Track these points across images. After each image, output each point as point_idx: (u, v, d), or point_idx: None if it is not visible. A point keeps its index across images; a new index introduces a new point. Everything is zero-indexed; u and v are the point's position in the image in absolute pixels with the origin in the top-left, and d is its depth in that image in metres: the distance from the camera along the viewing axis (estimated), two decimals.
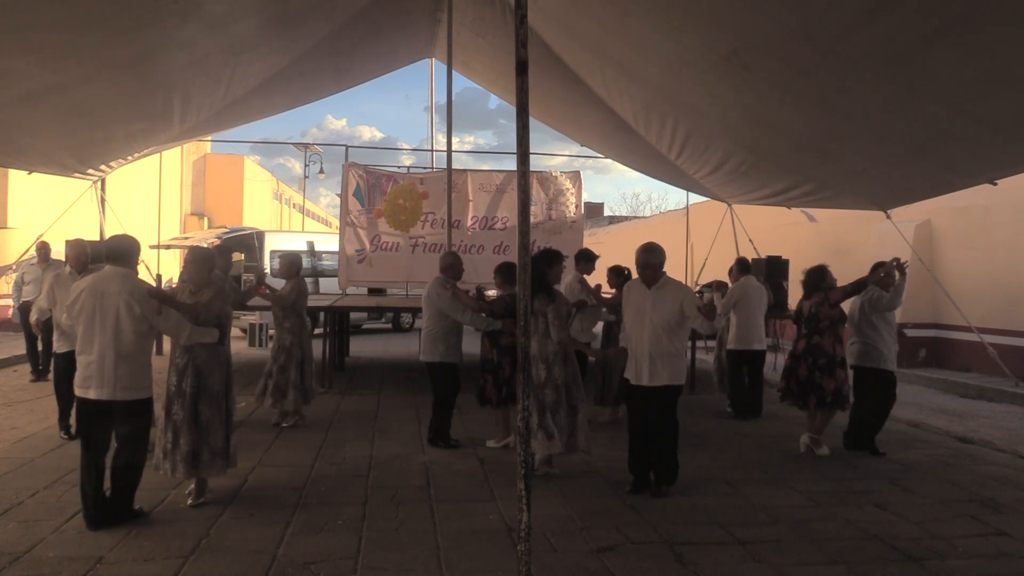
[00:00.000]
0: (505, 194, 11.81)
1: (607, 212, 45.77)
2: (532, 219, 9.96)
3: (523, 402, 3.46)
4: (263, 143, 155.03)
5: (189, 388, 4.71)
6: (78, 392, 4.43)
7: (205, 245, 9.72)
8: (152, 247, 16.75)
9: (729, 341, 8.13)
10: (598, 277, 7.67)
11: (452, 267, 6.50)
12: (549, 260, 5.62)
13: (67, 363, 6.39)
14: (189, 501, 4.81)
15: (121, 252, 4.52)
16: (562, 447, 5.42)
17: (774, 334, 10.99)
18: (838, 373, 6.31)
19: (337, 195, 19.39)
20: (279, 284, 7.58)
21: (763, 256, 10.95)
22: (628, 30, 6.61)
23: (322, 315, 10.89)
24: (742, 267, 8.24)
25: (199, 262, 4.91)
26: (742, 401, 8.05)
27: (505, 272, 6.26)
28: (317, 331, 11.45)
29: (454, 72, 9.44)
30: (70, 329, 4.54)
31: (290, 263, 7.38)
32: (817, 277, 6.50)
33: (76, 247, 6.52)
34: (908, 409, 9.05)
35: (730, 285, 8.35)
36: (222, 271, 7.35)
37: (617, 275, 7.39)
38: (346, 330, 12.64)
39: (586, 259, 7.66)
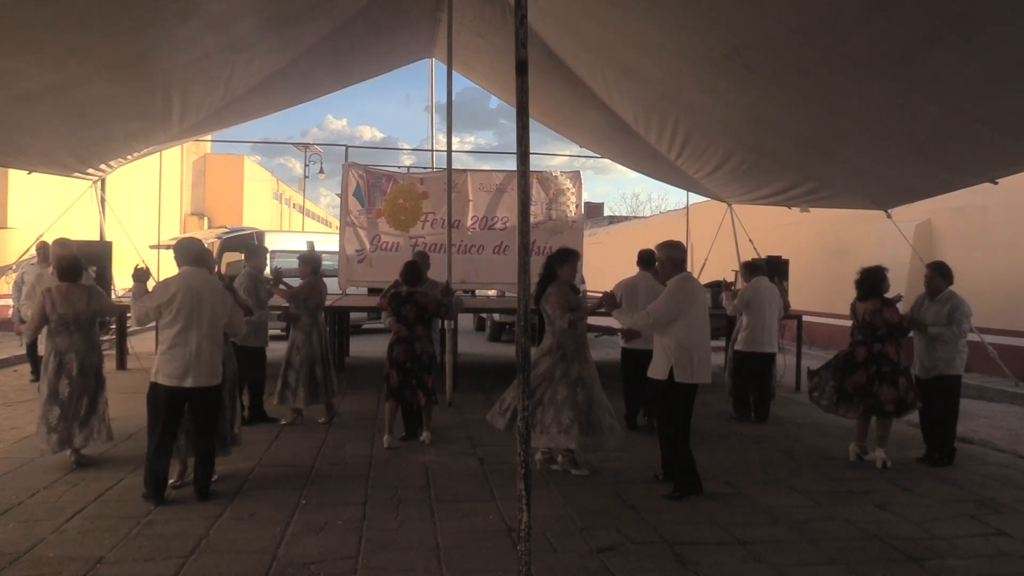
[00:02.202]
0: (505, 194, 11.80)
1: (607, 212, 45.86)
2: (532, 219, 9.98)
3: (523, 402, 3.46)
4: (263, 143, 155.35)
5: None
6: (171, 383, 4.80)
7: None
8: (152, 247, 16.74)
9: (738, 342, 8.04)
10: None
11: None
12: (560, 258, 5.71)
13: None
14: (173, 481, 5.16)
15: (200, 255, 5.08)
16: (577, 442, 5.48)
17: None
18: (900, 381, 6.03)
19: (337, 195, 19.40)
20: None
21: (763, 256, 10.94)
22: (628, 29, 6.61)
23: (322, 315, 10.89)
24: (751, 269, 8.18)
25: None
26: (746, 403, 8.02)
27: (402, 270, 6.64)
28: None
29: (454, 72, 9.43)
30: (142, 318, 4.90)
31: (305, 262, 7.56)
32: (876, 280, 6.16)
33: (65, 247, 6.50)
34: None
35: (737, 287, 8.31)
36: (257, 270, 7.42)
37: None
38: (346, 330, 12.64)
39: (649, 262, 7.51)
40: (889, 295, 6.28)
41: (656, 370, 5.36)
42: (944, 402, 6.25)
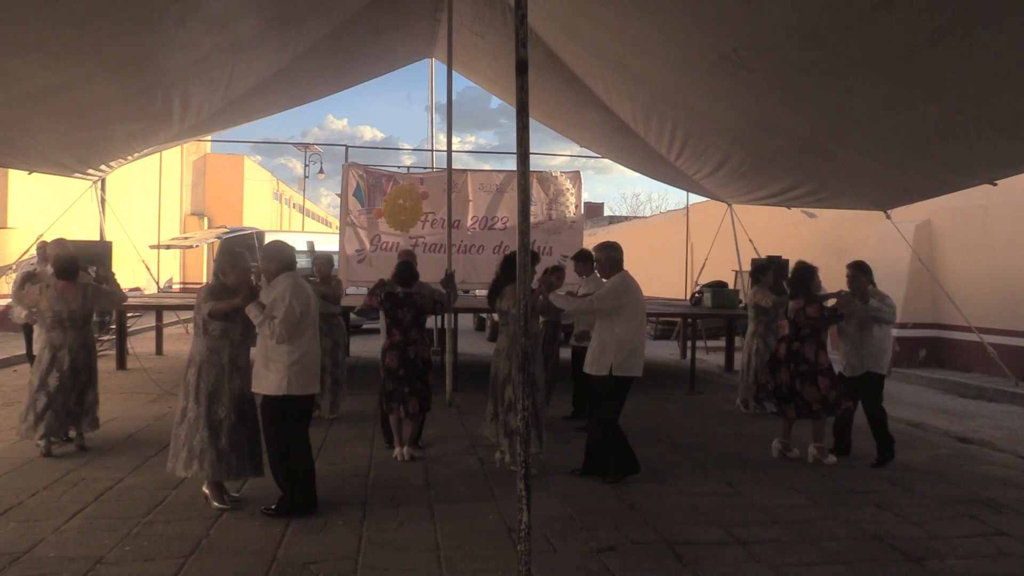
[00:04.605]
0: (505, 194, 11.81)
1: (607, 212, 45.78)
2: (532, 219, 9.99)
3: (523, 402, 3.46)
4: (264, 143, 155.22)
5: (238, 389, 4.76)
6: (304, 392, 4.67)
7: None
8: (152, 247, 16.76)
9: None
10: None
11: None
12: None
13: None
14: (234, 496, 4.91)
15: (294, 259, 4.83)
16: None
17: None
18: (820, 381, 6.08)
19: (337, 195, 19.41)
20: None
21: (763, 256, 10.95)
22: (628, 30, 6.61)
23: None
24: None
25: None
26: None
27: (394, 271, 6.25)
28: None
29: (455, 72, 9.44)
30: (292, 330, 4.54)
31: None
32: (806, 276, 6.26)
33: (63, 247, 6.58)
34: (908, 409, 9.05)
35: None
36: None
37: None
38: (346, 330, 12.62)
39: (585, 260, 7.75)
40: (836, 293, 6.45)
41: (596, 366, 5.48)
42: (870, 399, 6.31)
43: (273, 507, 4.63)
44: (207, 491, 4.81)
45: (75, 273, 6.05)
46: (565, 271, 7.09)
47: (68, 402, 5.92)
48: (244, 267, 4.80)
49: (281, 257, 4.74)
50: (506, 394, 5.63)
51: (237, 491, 5.01)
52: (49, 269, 6.51)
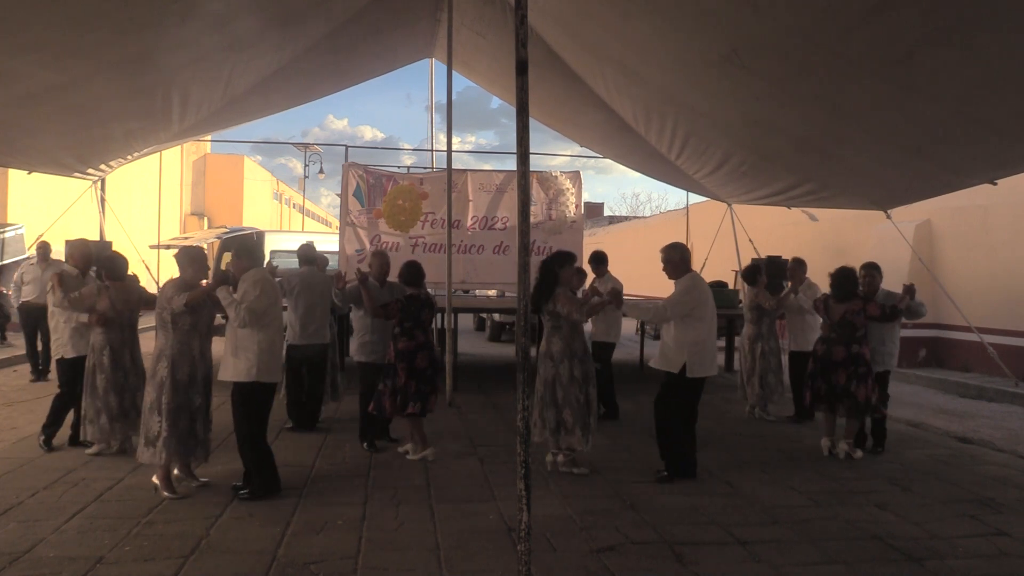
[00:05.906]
0: (505, 194, 11.80)
1: (607, 212, 45.86)
2: (532, 219, 9.99)
3: (523, 402, 3.46)
4: (264, 143, 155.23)
5: (203, 378, 5.05)
6: (270, 379, 4.95)
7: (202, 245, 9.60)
8: (152, 247, 16.75)
9: (793, 343, 7.99)
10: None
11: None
12: (561, 260, 5.64)
13: (76, 371, 6.17)
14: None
15: (262, 256, 4.99)
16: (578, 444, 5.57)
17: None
18: (870, 383, 6.23)
19: (337, 195, 19.40)
20: None
21: (763, 256, 10.94)
22: (628, 31, 6.61)
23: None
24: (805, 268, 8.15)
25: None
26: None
27: (404, 273, 6.08)
28: None
29: (455, 72, 9.44)
30: (260, 319, 4.84)
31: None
32: (853, 281, 6.36)
33: (82, 247, 6.54)
34: (908, 409, 9.06)
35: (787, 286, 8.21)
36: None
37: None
38: (346, 330, 12.63)
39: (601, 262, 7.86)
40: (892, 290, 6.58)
41: (667, 363, 5.52)
42: (885, 393, 6.58)
43: (246, 491, 4.90)
44: (157, 481, 4.98)
45: (125, 274, 6.07)
46: (585, 273, 7.11)
47: (136, 401, 5.85)
48: (202, 263, 5.14)
49: (250, 253, 5.11)
50: (568, 394, 5.55)
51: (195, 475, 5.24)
52: (73, 270, 6.38)
